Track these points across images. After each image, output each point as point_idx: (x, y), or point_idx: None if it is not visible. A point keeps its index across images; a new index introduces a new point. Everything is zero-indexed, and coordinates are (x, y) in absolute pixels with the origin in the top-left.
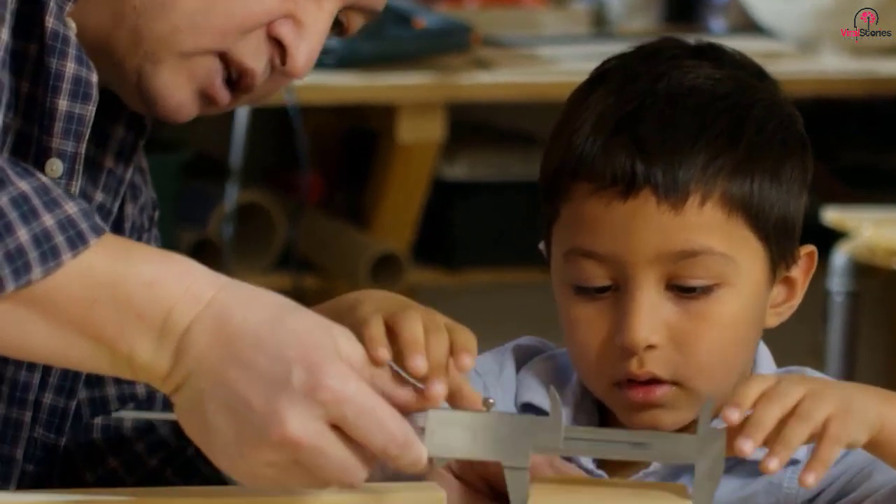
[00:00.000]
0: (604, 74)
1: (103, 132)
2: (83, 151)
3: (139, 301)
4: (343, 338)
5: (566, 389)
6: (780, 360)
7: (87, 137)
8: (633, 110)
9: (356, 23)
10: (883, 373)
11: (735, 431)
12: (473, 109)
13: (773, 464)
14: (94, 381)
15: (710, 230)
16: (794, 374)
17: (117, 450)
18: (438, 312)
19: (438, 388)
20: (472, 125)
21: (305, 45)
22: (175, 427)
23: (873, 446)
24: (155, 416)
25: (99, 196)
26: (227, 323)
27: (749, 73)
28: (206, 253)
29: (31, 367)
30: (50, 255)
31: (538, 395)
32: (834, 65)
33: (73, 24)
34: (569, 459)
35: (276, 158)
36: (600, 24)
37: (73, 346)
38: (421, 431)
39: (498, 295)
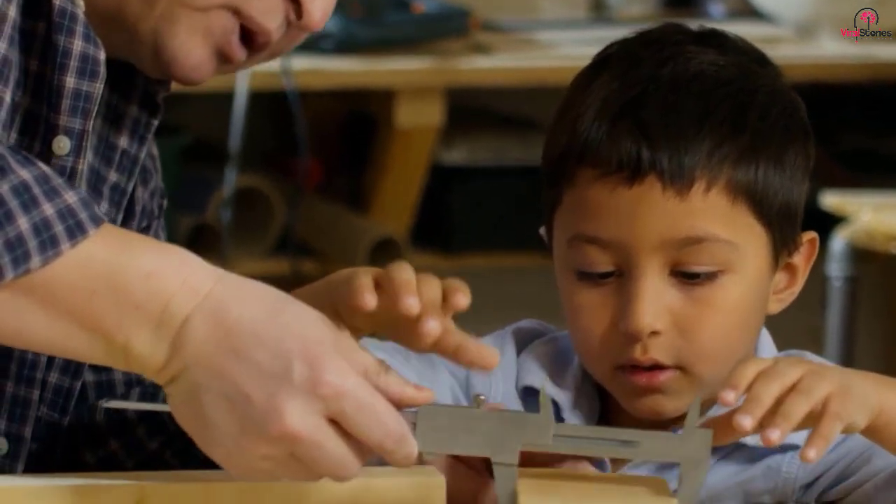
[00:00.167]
0: (607, 59)
1: (117, 111)
2: (90, 129)
3: (137, 292)
4: (339, 332)
5: (567, 373)
6: (779, 344)
7: (94, 115)
8: (637, 95)
9: None
10: (882, 357)
11: (731, 415)
12: (472, 94)
13: (775, 435)
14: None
15: (715, 217)
16: (792, 357)
17: (119, 432)
18: None
19: (431, 324)
20: (470, 110)
21: None
22: None
23: (872, 431)
24: (142, 406)
25: (113, 176)
26: (226, 316)
27: (752, 59)
28: (204, 238)
29: None
30: (49, 245)
31: (539, 379)
32: (833, 49)
33: (80, 2)
34: None
35: (274, 143)
36: (599, 9)
37: (70, 336)
38: (412, 426)
39: (496, 279)
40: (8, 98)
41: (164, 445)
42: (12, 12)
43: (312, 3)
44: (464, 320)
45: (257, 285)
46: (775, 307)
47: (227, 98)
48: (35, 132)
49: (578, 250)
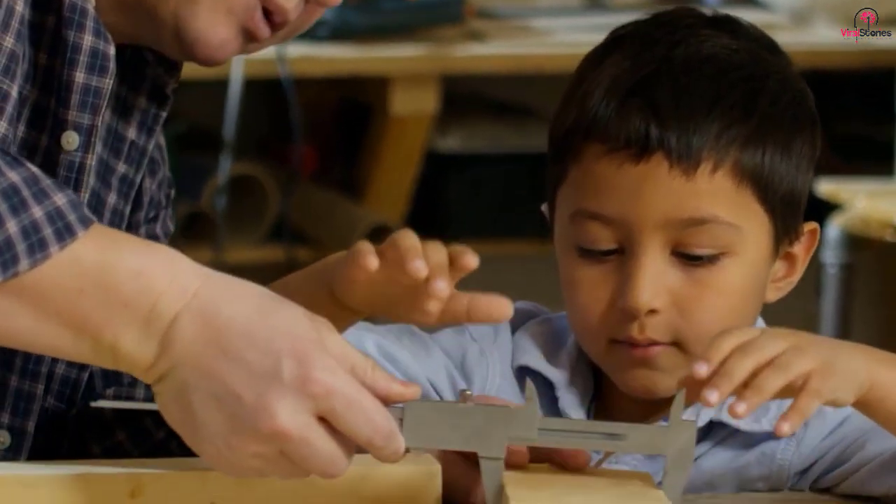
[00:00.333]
0: (619, 39)
1: (126, 103)
2: (99, 124)
3: (126, 291)
4: (326, 329)
5: (561, 352)
6: None
7: (103, 110)
8: (649, 75)
9: None
10: (876, 344)
11: (703, 383)
12: (467, 81)
13: (740, 408)
14: None
15: (719, 199)
16: (779, 329)
17: (126, 423)
18: None
19: (440, 284)
20: (465, 97)
21: None
22: None
23: (863, 406)
24: (135, 405)
25: (122, 167)
26: (215, 316)
27: (762, 46)
28: (199, 225)
29: None
30: (38, 247)
31: (534, 358)
32: (827, 37)
33: None
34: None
35: (269, 130)
36: None
37: (58, 335)
38: (399, 423)
39: (491, 266)
40: (14, 93)
41: (171, 435)
42: (19, 7)
43: None
44: None
45: (245, 284)
46: (773, 295)
47: (221, 85)
48: (43, 126)
49: (581, 226)
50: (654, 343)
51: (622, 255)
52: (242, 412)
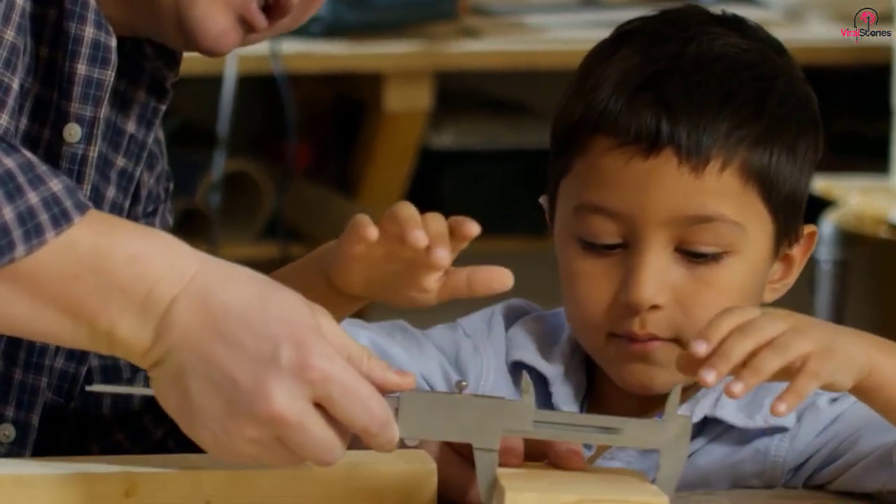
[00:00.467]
0: (627, 34)
1: (125, 96)
2: (101, 116)
3: (122, 276)
4: (323, 317)
5: (556, 348)
6: None
7: (105, 102)
8: (660, 70)
9: None
10: None
11: (701, 362)
12: (461, 78)
13: (737, 388)
14: None
15: (726, 197)
16: (779, 310)
17: (125, 422)
18: None
19: (441, 253)
20: (459, 94)
21: None
22: None
23: (861, 392)
24: (129, 390)
25: (121, 161)
26: (212, 300)
27: (770, 47)
28: (193, 222)
29: None
30: (34, 233)
31: (529, 354)
32: (821, 33)
33: None
34: None
35: (263, 127)
36: None
37: (55, 321)
38: (393, 412)
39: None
40: (16, 85)
41: (169, 434)
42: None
43: None
44: (453, 302)
45: (242, 270)
46: (769, 296)
47: (215, 82)
48: (45, 119)
49: (585, 219)
50: (654, 338)
51: (625, 250)
52: (239, 396)
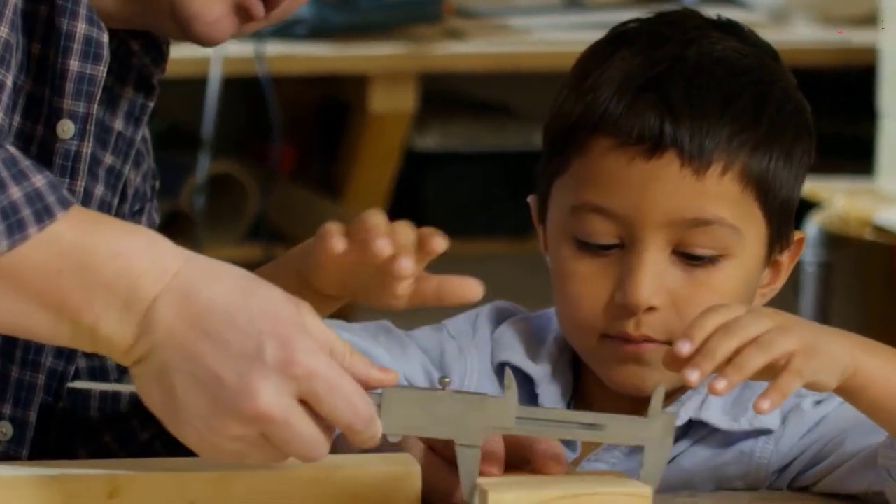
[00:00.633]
0: (624, 35)
1: (112, 94)
2: (94, 112)
3: (106, 272)
4: (307, 312)
5: (542, 349)
6: None
7: (97, 98)
8: (662, 72)
9: None
10: None
11: (686, 361)
12: (445, 80)
13: (720, 385)
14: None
15: (725, 201)
16: (764, 308)
17: (113, 424)
18: None
19: (405, 263)
20: (444, 95)
21: None
22: None
23: (846, 392)
24: (113, 386)
25: (109, 158)
26: (195, 297)
27: (766, 52)
28: (177, 224)
29: None
30: (16, 228)
31: (515, 355)
32: (806, 34)
33: None
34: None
35: (247, 129)
36: None
37: (37, 317)
38: (376, 408)
39: (469, 265)
40: (9, 82)
41: (156, 436)
42: None
43: None
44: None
45: (226, 266)
46: (757, 301)
47: (200, 84)
48: (39, 116)
49: (582, 219)
50: (648, 340)
51: (622, 251)
52: (224, 394)
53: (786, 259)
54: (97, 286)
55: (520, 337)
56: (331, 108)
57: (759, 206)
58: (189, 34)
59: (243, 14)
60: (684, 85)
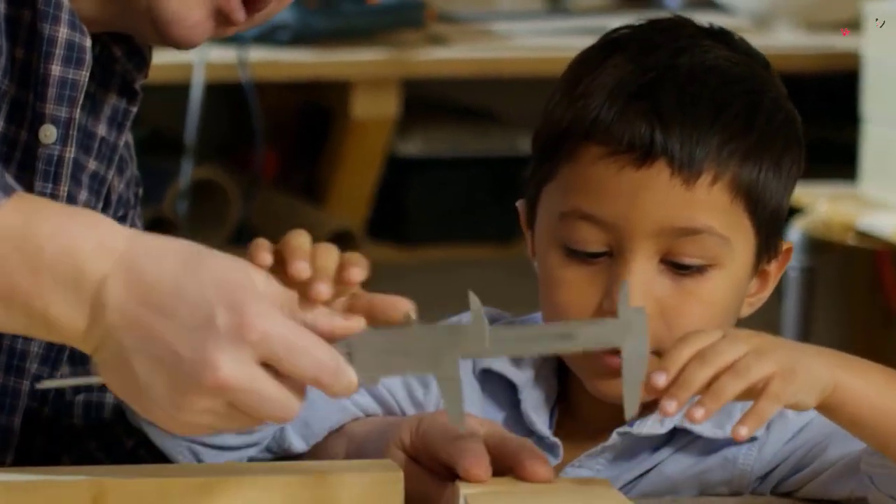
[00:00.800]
0: (616, 42)
1: (95, 99)
2: (77, 117)
3: (49, 255)
4: (258, 275)
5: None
6: None
7: (80, 103)
8: (653, 80)
9: None
10: (838, 348)
11: (662, 393)
12: (428, 85)
13: (698, 414)
14: (78, 357)
15: (715, 211)
16: (741, 331)
17: (96, 431)
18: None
19: (321, 287)
20: (427, 101)
21: None
22: None
23: (827, 410)
24: (77, 381)
25: (92, 164)
26: (143, 274)
27: (756, 61)
28: (161, 229)
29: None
30: None
31: (498, 361)
32: (789, 40)
33: None
34: (529, 434)
35: (230, 135)
36: (556, 0)
37: None
38: (347, 358)
39: (453, 271)
40: None
41: (140, 443)
42: None
43: None
44: (421, 312)
45: (172, 241)
46: (745, 311)
47: (183, 90)
48: (22, 120)
49: (571, 226)
50: None
51: (610, 259)
52: (184, 369)
53: (773, 269)
54: (42, 268)
55: None
56: (313, 113)
57: (749, 216)
58: (166, 37)
59: (223, 18)
60: (676, 93)
